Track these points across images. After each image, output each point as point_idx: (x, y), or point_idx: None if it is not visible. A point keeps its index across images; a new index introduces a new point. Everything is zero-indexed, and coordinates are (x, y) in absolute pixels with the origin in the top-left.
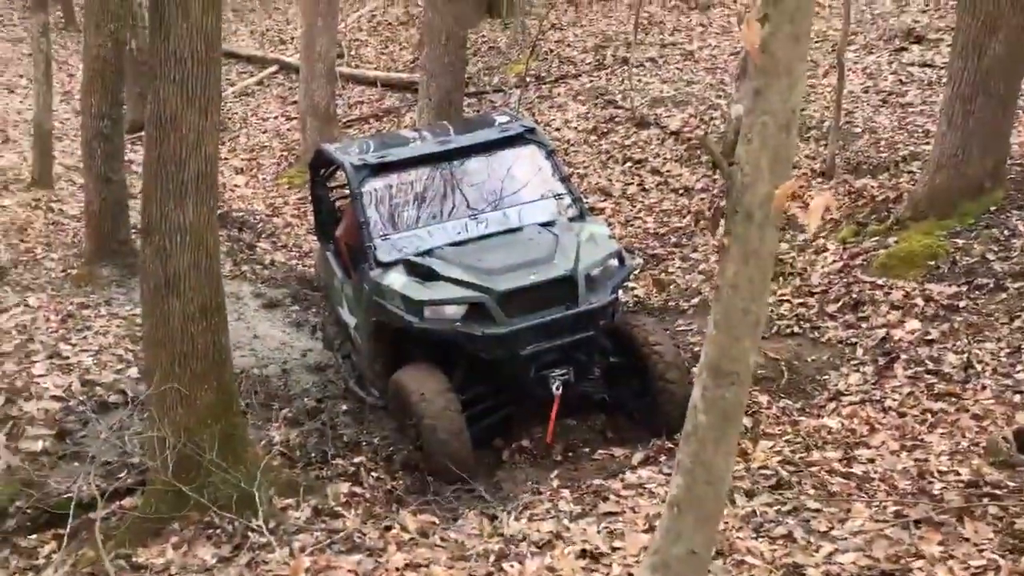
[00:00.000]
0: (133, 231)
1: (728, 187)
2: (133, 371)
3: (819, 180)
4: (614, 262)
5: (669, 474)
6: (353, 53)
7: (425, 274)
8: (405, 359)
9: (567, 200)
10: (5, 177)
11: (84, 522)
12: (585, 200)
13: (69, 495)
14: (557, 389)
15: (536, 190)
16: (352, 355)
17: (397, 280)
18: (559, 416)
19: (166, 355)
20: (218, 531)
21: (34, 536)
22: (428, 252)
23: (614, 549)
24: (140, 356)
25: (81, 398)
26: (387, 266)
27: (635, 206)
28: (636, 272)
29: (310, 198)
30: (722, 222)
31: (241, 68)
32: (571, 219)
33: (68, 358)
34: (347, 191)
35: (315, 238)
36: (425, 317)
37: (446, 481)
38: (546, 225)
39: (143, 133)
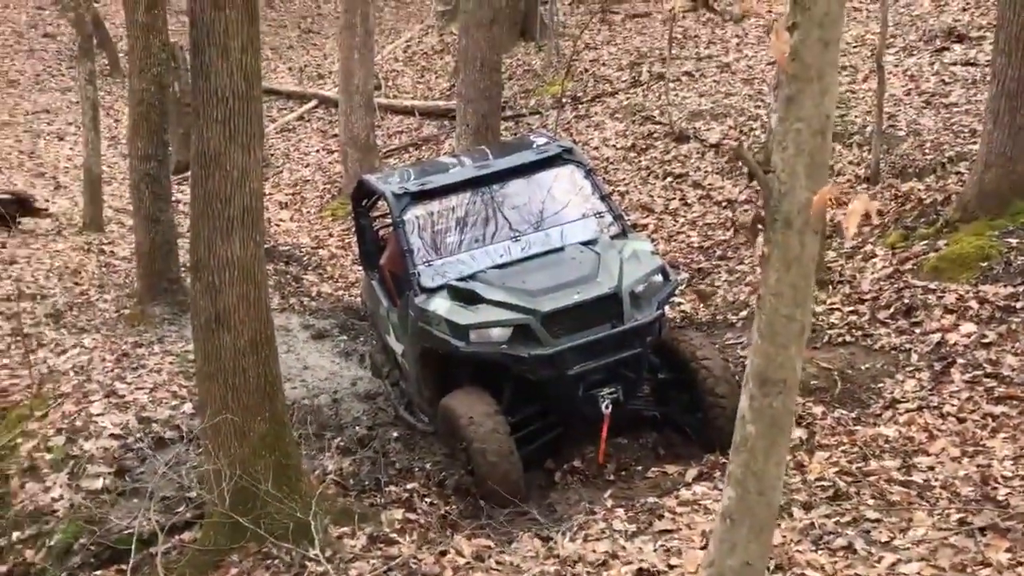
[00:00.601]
0: (183, 270)
1: (766, 195)
2: (187, 407)
3: (864, 185)
4: (658, 278)
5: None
6: (390, 84)
7: (469, 298)
8: (453, 384)
9: (608, 218)
10: (58, 222)
11: (145, 557)
12: (627, 217)
13: (130, 531)
14: (606, 408)
15: (576, 209)
16: (400, 382)
17: (441, 305)
18: (610, 435)
19: (218, 388)
20: (276, 561)
21: (98, 572)
22: (471, 276)
23: (671, 567)
24: (194, 392)
25: (138, 435)
26: (431, 292)
27: (678, 221)
28: (682, 287)
29: (354, 228)
30: (761, 231)
31: (281, 104)
32: (613, 237)
33: (124, 396)
34: (390, 220)
35: (360, 268)
36: (471, 341)
37: (498, 504)
38: (588, 244)
39: (189, 173)
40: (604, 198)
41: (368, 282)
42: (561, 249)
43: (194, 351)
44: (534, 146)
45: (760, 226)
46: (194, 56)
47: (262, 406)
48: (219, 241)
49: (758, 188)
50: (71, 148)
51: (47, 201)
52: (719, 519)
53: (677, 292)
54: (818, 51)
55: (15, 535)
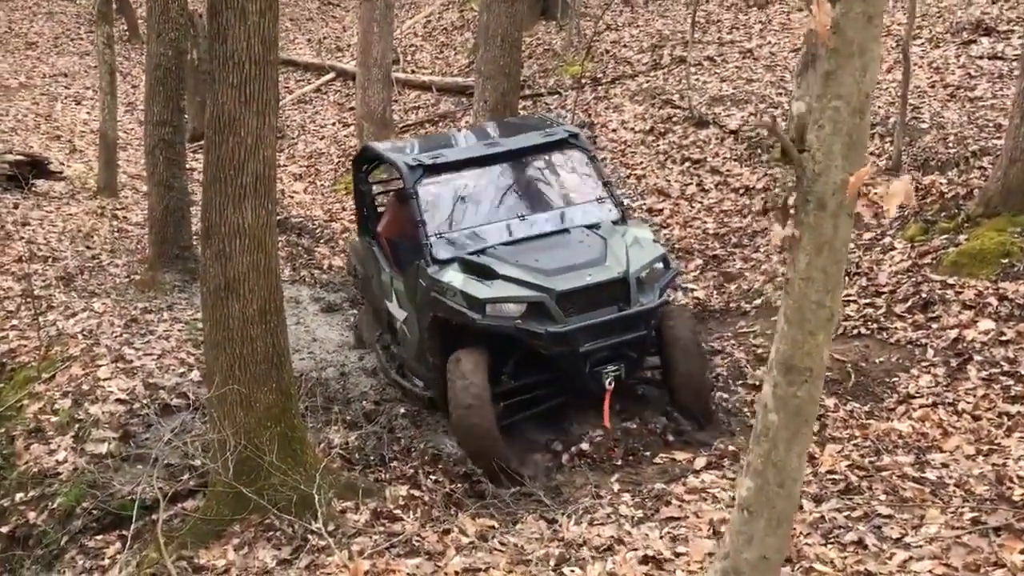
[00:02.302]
0: (195, 237)
1: (799, 175)
2: (195, 375)
3: (885, 177)
4: (660, 265)
5: (733, 478)
6: (409, 59)
7: (483, 272)
8: (455, 347)
9: (609, 204)
10: (72, 186)
11: (147, 523)
12: (643, 201)
13: (132, 497)
14: (609, 384)
15: (580, 194)
16: (393, 346)
17: (456, 278)
18: (612, 412)
19: (226, 357)
20: (278, 533)
21: (100, 536)
22: (482, 251)
23: (677, 555)
24: (201, 360)
25: (144, 401)
26: (443, 263)
27: (694, 207)
28: (697, 273)
29: (353, 193)
30: (792, 213)
31: (299, 76)
32: (614, 222)
33: (132, 362)
34: (388, 188)
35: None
36: (487, 314)
37: (481, 466)
38: (591, 227)
39: (203, 141)
40: (606, 184)
41: (366, 247)
42: (567, 231)
43: (202, 318)
44: (541, 128)
45: (791, 207)
46: (211, 18)
47: (269, 376)
48: (231, 208)
49: (777, 176)
50: (88, 112)
51: (62, 164)
52: (736, 510)
53: (693, 279)
54: (861, 25)
55: (18, 496)
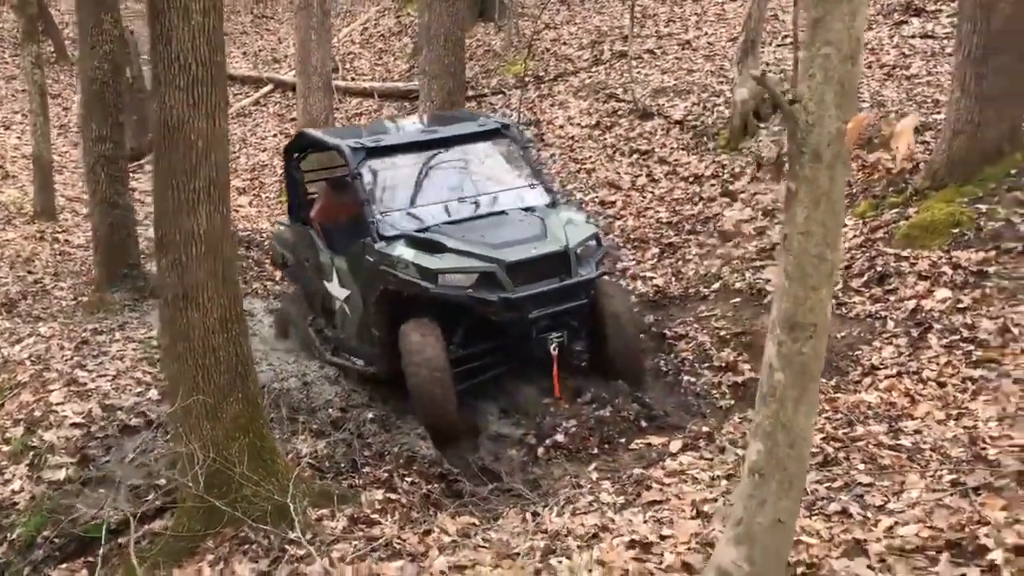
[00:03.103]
0: (142, 255)
1: (790, 129)
2: (153, 393)
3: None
4: (593, 242)
5: (711, 459)
6: (348, 67)
7: (432, 247)
8: (403, 318)
9: (541, 189)
10: (8, 212)
11: (114, 547)
12: (595, 194)
13: (97, 521)
14: (554, 350)
15: (514, 179)
16: (328, 329)
17: (407, 252)
18: (563, 383)
19: (188, 368)
20: (254, 545)
21: (64, 565)
22: (426, 229)
23: (663, 538)
24: (158, 378)
25: (102, 423)
26: (390, 240)
27: (646, 197)
28: (654, 262)
29: (284, 180)
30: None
31: (236, 89)
32: (547, 206)
33: (86, 384)
34: (318, 175)
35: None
36: (439, 284)
37: (437, 428)
38: (527, 210)
39: (142, 161)
40: (538, 172)
41: (299, 233)
42: (505, 212)
43: (160, 330)
44: (473, 120)
45: (784, 160)
46: (153, 20)
47: (234, 386)
48: (184, 215)
49: (725, 163)
50: (18, 137)
51: None
52: (745, 475)
53: (651, 267)
54: None
55: None
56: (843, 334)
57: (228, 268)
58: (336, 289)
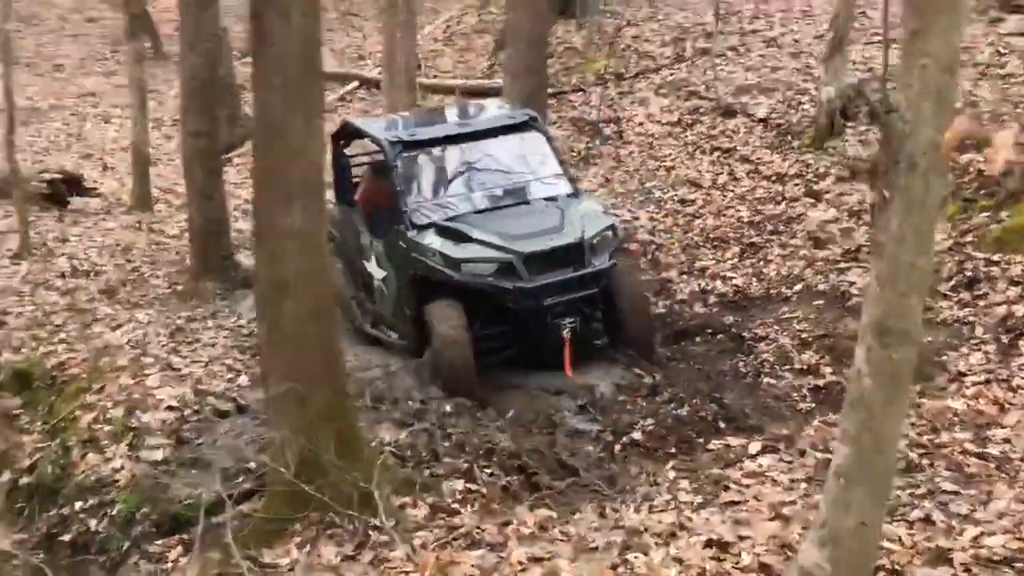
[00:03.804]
0: (235, 245)
1: (887, 136)
2: (243, 379)
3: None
4: (609, 233)
5: (790, 462)
6: (430, 64)
7: (458, 236)
8: (429, 300)
9: (564, 180)
10: (107, 202)
11: (208, 526)
12: (675, 192)
13: (191, 501)
14: (566, 335)
15: (540, 171)
16: (368, 303)
17: (435, 240)
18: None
19: (281, 358)
20: (339, 530)
21: (161, 541)
22: (454, 219)
23: (741, 538)
24: (249, 365)
25: (195, 407)
26: (421, 228)
27: (727, 195)
28: (735, 261)
29: (332, 165)
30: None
31: (324, 86)
32: (568, 195)
33: (180, 370)
34: (365, 160)
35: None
36: (463, 272)
37: (458, 394)
38: (549, 200)
39: (231, 154)
40: (562, 163)
41: (344, 214)
42: (528, 202)
43: (256, 320)
44: (503, 111)
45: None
46: (253, 21)
47: (324, 376)
48: (280, 210)
49: (810, 162)
50: (116, 130)
51: (96, 182)
52: (831, 479)
53: (731, 268)
54: None
55: (77, 504)
56: (930, 339)
57: (320, 261)
58: (375, 269)
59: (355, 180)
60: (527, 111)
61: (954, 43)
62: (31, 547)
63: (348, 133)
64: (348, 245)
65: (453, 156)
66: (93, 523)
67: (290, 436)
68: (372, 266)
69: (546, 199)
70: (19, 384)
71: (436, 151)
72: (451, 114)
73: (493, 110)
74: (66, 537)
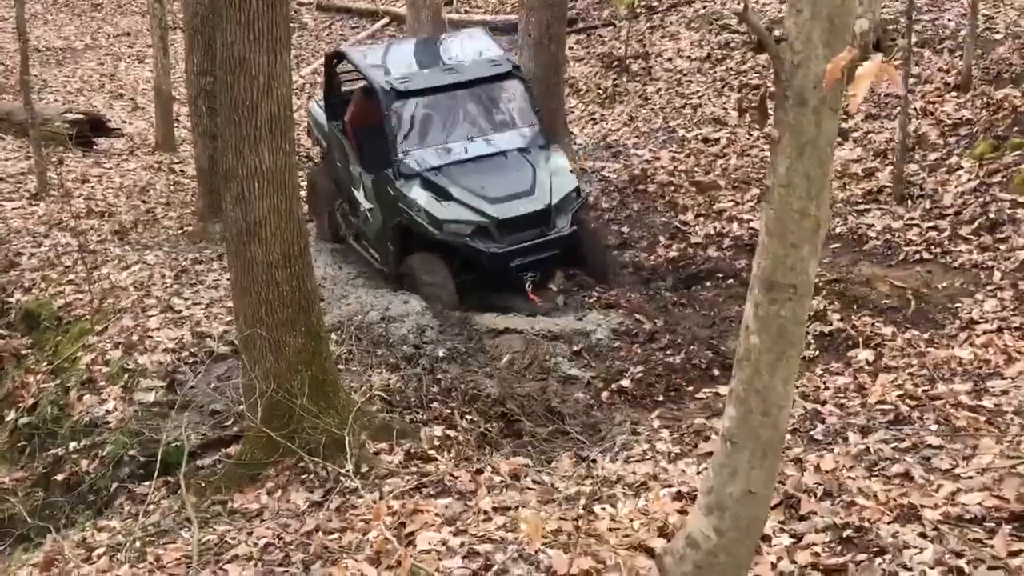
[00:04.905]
0: None
1: (776, 69)
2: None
3: (953, 94)
4: (574, 194)
5: None
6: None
7: (441, 193)
8: (411, 246)
9: (538, 129)
10: (132, 143)
11: (192, 469)
12: (698, 131)
13: (178, 443)
14: (528, 286)
15: (517, 119)
16: (352, 217)
17: (421, 195)
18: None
19: (251, 302)
20: (311, 476)
21: (146, 483)
22: (438, 168)
23: None
24: None
25: (192, 349)
26: (408, 177)
27: (752, 135)
28: (754, 204)
29: (324, 85)
30: (771, 110)
31: (354, 23)
32: (540, 146)
33: (181, 311)
34: (353, 77)
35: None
36: (444, 231)
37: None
38: (523, 151)
39: None
40: (536, 112)
41: (333, 131)
42: (505, 155)
43: (228, 264)
44: (487, 58)
45: (770, 105)
46: None
47: (297, 320)
48: (247, 150)
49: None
50: (150, 71)
51: (124, 122)
52: (719, 441)
53: (749, 211)
54: None
55: (72, 445)
56: (945, 284)
57: (291, 203)
58: (363, 199)
59: (346, 99)
60: (509, 57)
61: None
62: (30, 485)
63: (340, 58)
64: (337, 163)
65: (441, 104)
66: (85, 463)
67: (260, 382)
68: (360, 195)
69: (520, 150)
70: (28, 324)
71: (425, 99)
72: (443, 51)
73: (476, 55)
74: (59, 477)
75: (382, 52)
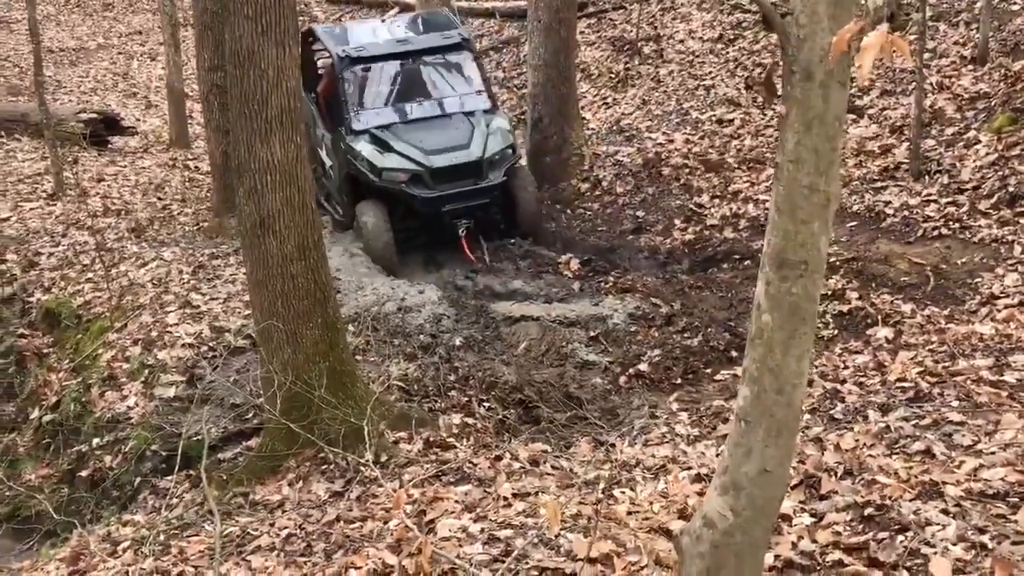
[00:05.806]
0: None
1: (782, 44)
2: None
3: (970, 67)
4: (509, 151)
5: None
6: None
7: (383, 145)
8: (362, 195)
9: (485, 96)
10: (146, 140)
11: (213, 462)
12: (712, 112)
13: (199, 437)
14: (462, 232)
15: (465, 87)
16: (323, 178)
17: (365, 148)
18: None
19: (267, 295)
20: (332, 467)
21: (169, 477)
22: (386, 127)
23: None
24: None
25: (211, 344)
26: (358, 133)
27: (767, 114)
28: (768, 184)
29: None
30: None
31: (364, 14)
32: (485, 111)
33: (199, 307)
34: (325, 54)
35: None
36: (382, 178)
37: (382, 266)
38: (468, 115)
39: None
40: (485, 80)
41: (308, 101)
42: (449, 116)
43: (243, 258)
44: (443, 31)
45: (777, 80)
46: None
47: (313, 312)
48: (259, 144)
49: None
50: (162, 68)
51: (137, 120)
52: (733, 420)
53: (764, 191)
54: None
55: (95, 441)
56: (964, 260)
57: (304, 196)
58: (326, 157)
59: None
60: (462, 31)
61: None
62: (56, 482)
63: (313, 36)
64: (310, 131)
65: (392, 71)
66: (108, 459)
67: (278, 374)
68: (324, 154)
69: (464, 113)
70: (49, 323)
71: (378, 66)
72: (402, 27)
73: (433, 30)
74: (84, 473)
75: (346, 28)
